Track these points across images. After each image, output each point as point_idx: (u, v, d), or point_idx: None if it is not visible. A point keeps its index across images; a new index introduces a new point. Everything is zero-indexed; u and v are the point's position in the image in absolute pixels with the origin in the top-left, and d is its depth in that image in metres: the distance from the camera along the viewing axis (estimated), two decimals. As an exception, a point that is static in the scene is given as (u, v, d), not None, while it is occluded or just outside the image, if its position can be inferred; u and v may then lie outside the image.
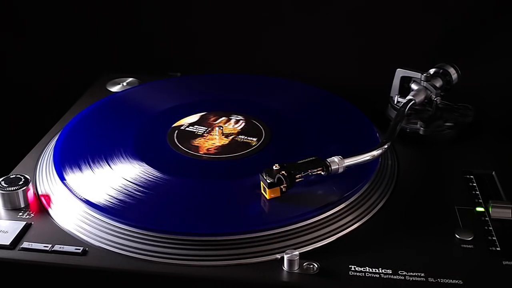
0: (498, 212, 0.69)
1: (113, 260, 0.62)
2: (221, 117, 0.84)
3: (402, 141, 0.82)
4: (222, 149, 0.77)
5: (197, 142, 0.79)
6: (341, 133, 0.81)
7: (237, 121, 0.83)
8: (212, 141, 0.79)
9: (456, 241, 0.65)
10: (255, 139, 0.78)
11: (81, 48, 1.14)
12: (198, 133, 0.81)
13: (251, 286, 0.60)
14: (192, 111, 0.85)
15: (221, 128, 0.80)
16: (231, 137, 0.79)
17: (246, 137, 0.79)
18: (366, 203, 0.70)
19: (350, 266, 0.61)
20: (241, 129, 0.81)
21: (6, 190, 0.69)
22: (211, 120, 0.84)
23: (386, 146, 0.73)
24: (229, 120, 0.83)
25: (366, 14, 1.07)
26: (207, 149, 0.77)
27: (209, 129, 0.81)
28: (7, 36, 1.15)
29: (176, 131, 0.81)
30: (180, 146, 0.78)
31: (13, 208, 0.69)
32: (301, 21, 1.09)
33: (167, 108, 0.87)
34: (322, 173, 0.69)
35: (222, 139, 0.79)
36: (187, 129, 0.81)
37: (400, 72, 0.87)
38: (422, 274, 0.61)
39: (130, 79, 0.98)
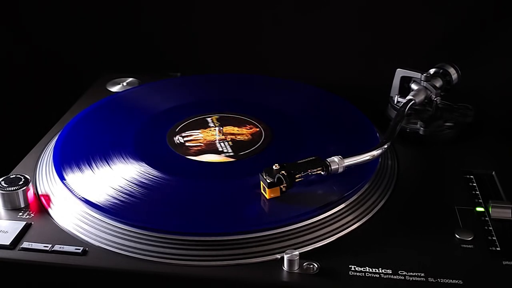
0: (498, 212, 0.69)
1: (113, 260, 0.62)
2: (234, 119, 0.84)
3: (402, 141, 0.82)
4: (206, 147, 0.77)
5: (191, 136, 0.79)
6: (341, 133, 0.81)
7: (245, 126, 0.83)
8: (208, 138, 0.79)
9: (456, 241, 0.65)
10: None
11: (81, 48, 1.14)
12: (200, 130, 0.81)
13: (251, 286, 0.60)
14: (192, 111, 0.86)
15: (221, 128, 0.80)
16: (226, 138, 0.79)
17: (240, 140, 0.79)
18: (366, 203, 0.70)
19: (350, 266, 0.61)
20: (243, 133, 0.81)
21: (6, 190, 0.69)
22: (222, 119, 0.84)
23: (386, 146, 0.73)
24: (240, 123, 0.83)
25: (367, 14, 1.07)
26: (190, 147, 0.77)
27: (211, 127, 0.81)
28: (6, 37, 1.15)
29: (181, 126, 0.81)
30: (180, 146, 0.78)
31: (13, 208, 0.69)
32: (301, 21, 1.09)
33: (167, 108, 0.87)
34: (322, 173, 0.69)
35: (219, 138, 0.79)
36: (192, 123, 0.82)
37: (400, 72, 0.87)
38: (422, 274, 0.61)
39: (130, 79, 0.98)
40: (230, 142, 0.78)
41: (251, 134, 0.80)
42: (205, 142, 0.78)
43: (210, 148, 0.77)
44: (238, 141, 0.79)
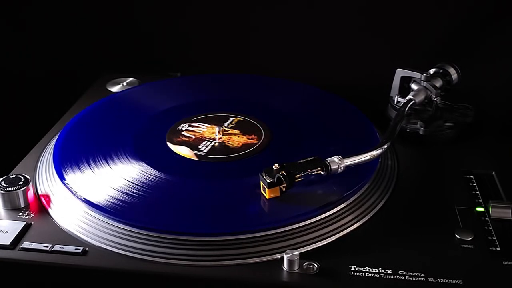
0: (498, 212, 0.69)
1: (113, 260, 0.62)
2: (225, 117, 0.84)
3: (402, 141, 0.82)
4: (218, 148, 0.77)
5: (195, 128, 0.79)
6: (341, 133, 0.81)
7: (239, 122, 0.83)
8: (204, 135, 0.79)
9: (456, 241, 0.65)
10: (256, 141, 0.78)
11: (81, 48, 1.14)
12: (199, 131, 0.81)
13: (251, 286, 0.60)
14: (192, 111, 0.86)
15: (221, 128, 0.80)
16: (230, 137, 0.79)
17: (247, 138, 0.79)
18: (366, 203, 0.70)
19: (350, 266, 0.61)
20: (243, 130, 0.81)
21: (6, 190, 0.69)
22: (215, 120, 0.83)
23: (386, 146, 0.73)
24: (232, 120, 0.83)
25: (367, 14, 1.07)
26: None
27: (209, 128, 0.81)
28: (7, 36, 1.15)
29: (177, 128, 0.81)
30: (180, 145, 0.78)
31: (13, 208, 0.69)
32: (301, 20, 1.09)
33: (167, 108, 0.87)
34: (322, 173, 0.69)
35: (221, 139, 0.79)
36: (188, 127, 0.82)
37: (400, 72, 0.87)
38: (422, 274, 0.61)
39: (130, 79, 0.98)
40: (216, 143, 0.78)
41: (244, 144, 0.79)
42: (198, 136, 0.78)
43: (194, 142, 0.78)
44: (226, 145, 0.78)
